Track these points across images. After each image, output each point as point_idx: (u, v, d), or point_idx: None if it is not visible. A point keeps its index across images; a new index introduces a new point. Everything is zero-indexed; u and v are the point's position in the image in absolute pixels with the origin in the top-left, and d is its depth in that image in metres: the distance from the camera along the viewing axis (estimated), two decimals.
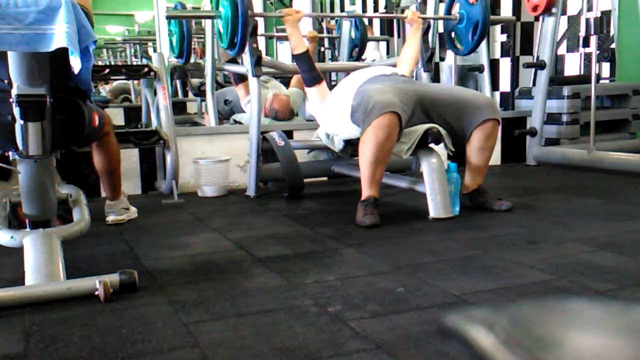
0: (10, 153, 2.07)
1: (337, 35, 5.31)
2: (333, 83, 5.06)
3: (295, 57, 3.05)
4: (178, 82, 5.44)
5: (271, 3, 7.49)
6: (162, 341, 1.47)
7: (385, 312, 1.61)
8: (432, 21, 3.59)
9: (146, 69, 3.24)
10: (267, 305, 1.69)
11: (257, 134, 3.30)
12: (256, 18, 3.18)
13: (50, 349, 1.44)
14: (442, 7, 3.67)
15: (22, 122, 1.82)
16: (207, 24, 4.54)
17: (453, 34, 3.60)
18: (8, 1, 1.62)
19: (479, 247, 2.23)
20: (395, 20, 5.74)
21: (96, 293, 1.73)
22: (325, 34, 5.81)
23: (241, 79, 4.12)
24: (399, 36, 6.04)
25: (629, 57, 4.46)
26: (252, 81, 3.26)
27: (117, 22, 7.35)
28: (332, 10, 7.54)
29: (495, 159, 4.35)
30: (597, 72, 3.95)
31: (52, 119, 1.87)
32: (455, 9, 3.54)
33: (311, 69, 3.04)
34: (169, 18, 3.68)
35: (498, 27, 4.94)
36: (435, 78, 4.81)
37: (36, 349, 1.44)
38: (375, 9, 6.86)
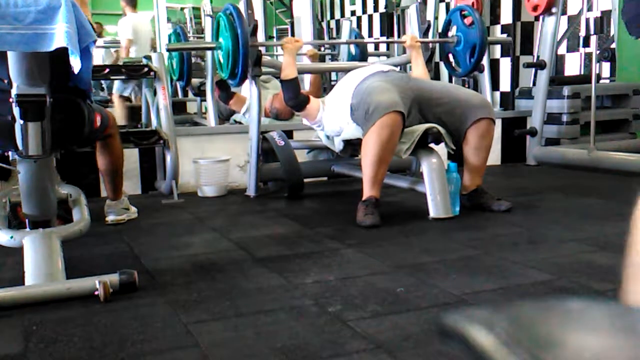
0: (10, 153, 2.07)
1: (337, 36, 5.31)
2: (333, 83, 5.07)
3: (283, 83, 3.00)
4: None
5: (271, 3, 7.49)
6: (162, 341, 1.47)
7: (385, 312, 1.61)
8: (432, 21, 3.59)
9: (146, 69, 3.24)
10: (267, 305, 1.69)
11: (257, 134, 3.30)
12: (256, 17, 3.17)
13: (50, 349, 1.44)
14: (442, 8, 3.67)
15: (21, 122, 1.82)
16: (206, 23, 4.55)
17: (451, 56, 3.60)
18: (8, 1, 1.62)
19: (479, 247, 2.23)
20: (395, 21, 5.74)
21: (96, 293, 1.73)
22: (325, 35, 5.81)
23: (228, 96, 4.10)
24: (399, 36, 6.05)
25: (629, 57, 4.45)
26: (252, 82, 3.24)
27: (117, 22, 7.35)
28: (332, 9, 7.55)
29: (496, 158, 4.35)
30: (597, 72, 3.94)
31: (52, 118, 1.87)
32: (453, 32, 3.54)
33: (297, 95, 2.99)
34: (169, 51, 3.66)
35: (498, 27, 4.95)
36: (436, 78, 4.81)
37: (36, 349, 1.44)
38: (376, 9, 6.87)
